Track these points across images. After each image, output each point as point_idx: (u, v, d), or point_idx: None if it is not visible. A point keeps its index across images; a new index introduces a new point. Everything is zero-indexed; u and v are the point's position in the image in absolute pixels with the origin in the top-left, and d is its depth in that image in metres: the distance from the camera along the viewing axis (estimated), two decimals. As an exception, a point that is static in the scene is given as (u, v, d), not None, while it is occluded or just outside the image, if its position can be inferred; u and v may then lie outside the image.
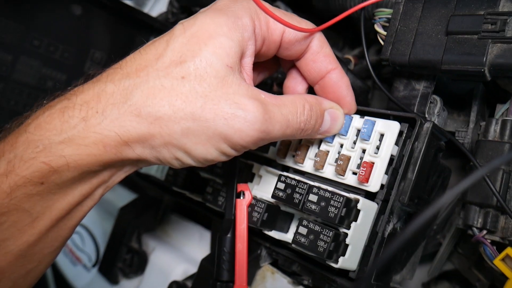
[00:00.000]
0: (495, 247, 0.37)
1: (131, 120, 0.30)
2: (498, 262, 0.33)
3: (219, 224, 0.49)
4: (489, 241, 0.37)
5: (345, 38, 0.72)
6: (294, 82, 0.41)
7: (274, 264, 0.45)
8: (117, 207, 0.60)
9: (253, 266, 0.45)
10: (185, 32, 0.32)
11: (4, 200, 0.30)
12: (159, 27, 0.65)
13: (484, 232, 0.37)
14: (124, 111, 0.31)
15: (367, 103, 0.55)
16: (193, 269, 0.50)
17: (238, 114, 0.31)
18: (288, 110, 0.34)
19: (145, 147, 0.32)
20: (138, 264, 0.54)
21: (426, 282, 0.54)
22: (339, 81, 0.38)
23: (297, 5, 0.67)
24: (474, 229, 0.38)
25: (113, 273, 0.57)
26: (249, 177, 0.45)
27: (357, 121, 0.39)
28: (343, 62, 0.54)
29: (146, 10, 0.74)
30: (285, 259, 0.43)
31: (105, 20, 0.63)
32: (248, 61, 0.35)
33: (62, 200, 0.32)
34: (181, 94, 0.31)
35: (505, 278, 0.34)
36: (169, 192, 0.54)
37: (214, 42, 0.32)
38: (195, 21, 0.33)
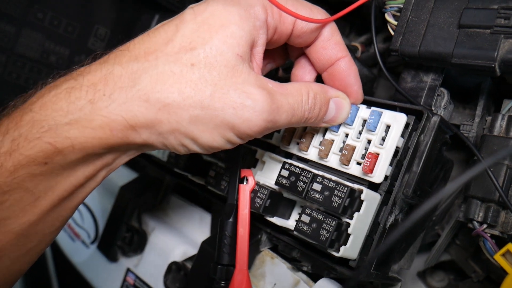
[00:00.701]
0: (494, 241, 0.37)
1: (139, 105, 0.30)
2: (498, 257, 0.34)
3: (220, 208, 0.49)
4: (489, 235, 0.37)
5: (352, 24, 0.72)
6: (303, 71, 0.40)
7: (274, 249, 0.46)
8: (117, 186, 0.60)
9: (253, 251, 0.45)
10: (196, 17, 0.32)
11: (7, 178, 0.30)
12: (165, 5, 0.64)
13: (485, 226, 0.38)
14: (132, 96, 0.30)
15: (372, 91, 0.55)
16: (192, 250, 0.51)
17: (246, 103, 0.31)
18: (294, 99, 0.34)
19: (152, 132, 0.31)
20: (137, 243, 0.55)
21: (422, 271, 0.55)
22: (347, 69, 0.38)
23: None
24: (475, 222, 0.38)
25: (112, 250, 0.57)
26: (252, 163, 0.45)
27: (364, 112, 0.39)
28: (351, 50, 0.54)
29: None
30: (285, 245, 0.43)
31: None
32: (259, 50, 0.35)
33: (65, 181, 0.32)
34: (191, 81, 0.30)
35: (503, 273, 0.35)
36: (171, 173, 0.54)
37: (225, 31, 0.31)
38: (206, 7, 0.32)
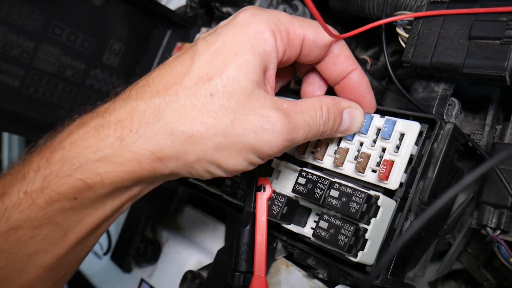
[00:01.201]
0: (507, 245, 0.38)
1: (165, 138, 0.32)
2: (513, 261, 0.35)
3: (234, 217, 0.50)
4: (503, 240, 0.38)
5: (358, 39, 0.73)
6: (312, 88, 0.42)
7: (289, 257, 0.47)
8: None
9: (268, 259, 0.46)
10: (209, 48, 0.33)
11: (38, 214, 0.31)
12: (177, 20, 0.66)
13: (498, 232, 0.39)
14: (157, 130, 0.32)
15: (381, 103, 0.56)
16: (207, 260, 0.51)
17: (266, 126, 0.32)
18: (309, 115, 0.35)
19: (178, 163, 0.33)
20: (151, 253, 0.55)
21: (433, 280, 0.55)
22: (359, 80, 0.39)
23: (314, 4, 0.68)
24: (488, 229, 0.39)
25: (126, 261, 0.57)
26: (268, 172, 0.46)
27: (378, 121, 0.40)
28: (361, 62, 0.55)
29: (163, 2, 0.75)
30: (301, 252, 0.44)
31: (125, 12, 0.64)
32: (271, 74, 0.36)
33: (94, 214, 0.34)
34: (212, 111, 0.32)
35: (516, 277, 0.36)
36: (184, 184, 0.55)
37: (239, 60, 0.33)
38: (218, 37, 0.34)
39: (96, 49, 0.62)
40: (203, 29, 0.65)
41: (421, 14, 0.41)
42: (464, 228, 0.47)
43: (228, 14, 0.61)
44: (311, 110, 0.35)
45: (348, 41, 0.71)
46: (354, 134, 0.41)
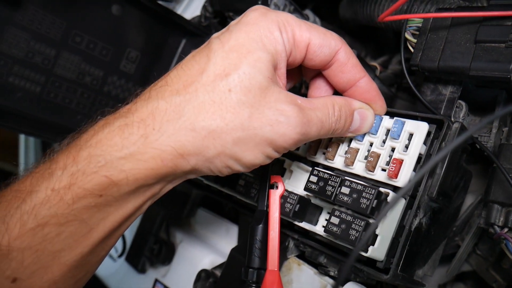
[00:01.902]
0: (515, 243, 0.39)
1: (186, 134, 0.33)
2: (521, 256, 0.35)
3: (247, 217, 0.51)
4: (511, 237, 0.39)
5: (367, 47, 0.75)
6: (318, 92, 0.43)
7: (301, 256, 0.48)
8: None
9: (280, 257, 0.47)
10: (223, 46, 0.35)
11: (65, 211, 0.32)
12: (192, 29, 0.69)
13: (506, 230, 0.40)
14: (179, 127, 0.33)
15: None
16: (220, 260, 0.53)
17: (281, 120, 0.34)
18: (322, 112, 0.36)
19: (199, 159, 0.34)
20: (165, 254, 0.57)
21: (443, 283, 0.56)
22: (369, 88, 0.40)
23: (324, 14, 0.70)
24: (496, 227, 0.40)
25: (140, 262, 0.59)
26: (281, 172, 0.47)
27: (387, 121, 0.42)
28: (371, 69, 0.57)
29: (179, 11, 0.77)
30: (312, 250, 0.45)
31: (141, 21, 0.66)
32: (282, 72, 0.37)
33: (117, 212, 0.35)
34: (230, 106, 0.33)
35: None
36: (197, 187, 0.57)
37: (253, 56, 0.34)
38: (231, 35, 0.35)
39: (114, 57, 0.65)
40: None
41: (432, 15, 0.42)
42: (473, 229, 0.47)
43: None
44: (324, 107, 0.37)
45: (358, 50, 0.73)
46: (364, 135, 0.42)
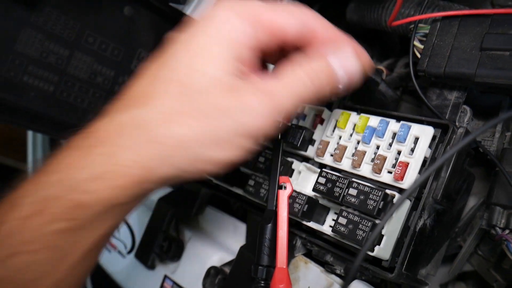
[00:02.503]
0: (516, 245, 0.41)
1: (153, 147, 0.32)
2: (522, 256, 0.37)
3: (255, 216, 0.53)
4: None
5: (374, 50, 0.77)
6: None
7: (308, 255, 0.49)
8: (152, 200, 0.65)
9: (288, 255, 0.48)
10: (181, 49, 0.33)
11: (37, 238, 0.31)
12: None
13: (507, 231, 0.41)
14: (144, 140, 0.32)
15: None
16: (228, 257, 0.54)
17: (248, 112, 0.32)
18: (294, 85, 0.34)
19: (169, 169, 0.33)
20: (175, 250, 0.58)
21: (444, 283, 0.57)
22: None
23: (330, 15, 0.71)
24: (497, 228, 0.42)
25: (150, 258, 0.60)
26: (289, 173, 0.49)
27: (394, 125, 0.43)
28: (377, 72, 0.58)
29: (188, 12, 0.78)
30: (319, 249, 0.47)
31: (152, 22, 0.67)
32: (250, 60, 0.35)
33: (91, 234, 0.33)
34: (193, 111, 0.32)
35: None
36: (206, 186, 0.58)
37: (210, 53, 0.33)
38: (186, 35, 0.34)
39: (125, 57, 0.66)
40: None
41: (441, 14, 0.44)
42: (475, 230, 0.49)
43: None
44: (295, 78, 0.34)
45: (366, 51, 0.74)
46: (371, 138, 0.44)
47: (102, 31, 0.63)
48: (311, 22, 0.36)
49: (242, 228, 0.57)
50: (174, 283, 0.57)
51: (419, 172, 0.41)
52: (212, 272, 0.52)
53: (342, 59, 0.36)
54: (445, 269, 0.55)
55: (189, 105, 0.32)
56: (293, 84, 0.34)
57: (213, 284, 0.51)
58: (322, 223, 0.46)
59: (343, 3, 0.70)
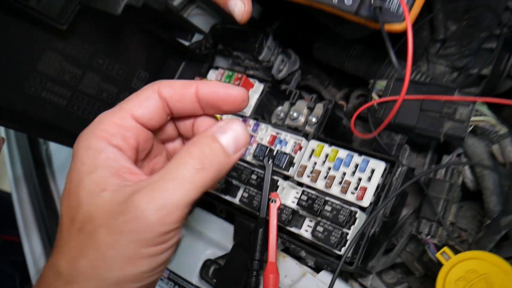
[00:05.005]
0: (434, 246, 0.58)
1: None
2: (438, 255, 0.54)
3: (242, 219, 0.66)
4: (432, 243, 0.58)
5: (331, 77, 0.92)
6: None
7: (285, 250, 0.64)
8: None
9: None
10: (64, 191, 0.34)
11: None
12: (191, 56, 0.81)
13: (429, 237, 0.59)
14: None
15: (352, 139, 0.75)
16: (220, 252, 0.67)
17: (140, 226, 0.31)
18: (181, 173, 0.32)
19: None
20: (171, 244, 0.70)
21: (379, 271, 0.75)
22: (209, 87, 0.37)
23: (303, 53, 0.85)
24: (423, 234, 0.59)
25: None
26: (275, 188, 0.63)
27: (357, 158, 0.59)
28: (338, 107, 0.74)
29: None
30: (295, 247, 0.62)
31: (152, 47, 0.78)
32: (129, 168, 0.35)
33: None
34: (97, 261, 0.31)
35: (438, 267, 0.55)
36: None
37: (83, 184, 0.33)
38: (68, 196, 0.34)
39: (127, 76, 0.76)
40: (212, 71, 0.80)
41: (386, 99, 0.60)
42: (405, 234, 0.66)
43: (238, 58, 0.77)
44: (181, 166, 0.33)
45: (323, 78, 0.89)
46: (339, 166, 0.59)
47: (110, 54, 0.72)
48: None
49: (228, 227, 0.70)
50: (171, 271, 0.69)
51: (374, 195, 0.57)
52: (208, 263, 0.65)
53: (229, 130, 0.36)
54: (382, 260, 0.73)
55: (85, 237, 0.32)
56: (177, 172, 0.32)
57: (208, 274, 0.65)
58: (300, 228, 0.61)
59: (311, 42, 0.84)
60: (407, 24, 0.41)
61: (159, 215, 0.31)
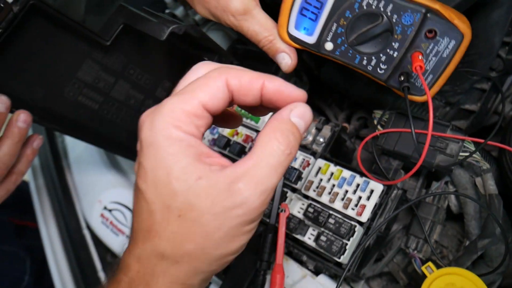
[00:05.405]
0: (420, 260, 0.67)
1: (180, 269, 0.36)
2: (423, 269, 0.63)
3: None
4: (418, 257, 0.67)
5: (333, 96, 1.00)
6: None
7: (288, 254, 0.72)
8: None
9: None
10: (148, 189, 0.35)
11: None
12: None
13: (416, 251, 0.67)
14: (169, 264, 0.35)
15: (351, 158, 0.83)
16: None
17: (239, 204, 0.34)
18: (272, 158, 0.35)
19: (202, 275, 0.37)
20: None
21: (367, 278, 0.84)
22: (277, 87, 0.38)
23: (310, 74, 0.93)
24: (410, 249, 0.68)
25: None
26: (284, 199, 0.71)
27: (358, 179, 0.67)
28: (342, 129, 0.82)
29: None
30: (298, 251, 0.70)
31: (176, 59, 0.85)
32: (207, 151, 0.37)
33: None
34: (195, 227, 0.34)
35: (422, 278, 0.64)
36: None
37: (174, 175, 0.34)
38: (146, 172, 0.36)
39: (153, 85, 0.83)
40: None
41: (384, 131, 0.68)
42: (395, 247, 0.75)
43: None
44: (270, 150, 0.36)
45: (326, 97, 0.98)
46: (343, 184, 0.67)
47: (141, 65, 0.79)
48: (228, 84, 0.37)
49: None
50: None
51: (371, 212, 0.65)
52: (219, 261, 0.73)
53: (301, 114, 0.39)
54: (371, 268, 0.81)
55: (189, 223, 0.34)
56: (271, 158, 0.35)
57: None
58: (304, 235, 0.69)
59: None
60: (428, 98, 0.52)
61: (261, 199, 0.34)
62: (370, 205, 0.65)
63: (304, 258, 0.70)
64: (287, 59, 0.58)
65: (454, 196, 0.69)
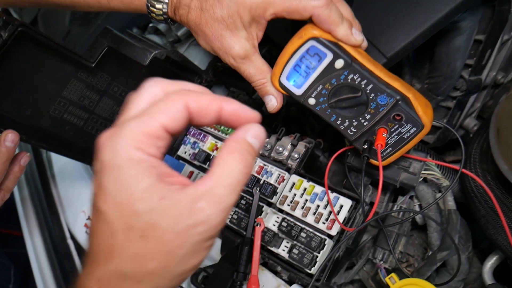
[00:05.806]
0: (385, 270, 0.72)
1: (142, 286, 0.36)
2: (387, 279, 0.68)
3: (229, 235, 0.78)
4: (383, 267, 0.72)
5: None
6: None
7: (264, 264, 0.77)
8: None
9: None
10: (108, 200, 0.35)
11: None
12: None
13: (382, 262, 0.72)
14: (130, 285, 0.36)
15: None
16: (209, 262, 0.79)
17: (202, 222, 0.35)
18: (231, 176, 0.36)
19: None
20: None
21: (339, 284, 0.89)
22: (232, 107, 0.39)
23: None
24: (377, 260, 0.73)
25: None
26: (260, 213, 0.75)
27: (330, 195, 0.72)
28: (316, 145, 0.87)
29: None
30: (273, 262, 0.74)
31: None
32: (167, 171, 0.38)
33: None
34: (157, 245, 0.35)
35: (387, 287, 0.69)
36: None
37: (136, 196, 0.35)
38: (104, 192, 0.35)
39: (136, 102, 0.87)
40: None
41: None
42: (364, 256, 0.80)
43: (233, 92, 0.89)
44: (233, 172, 0.37)
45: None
46: (315, 200, 0.72)
47: (124, 83, 0.83)
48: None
49: (216, 241, 0.82)
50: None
51: (341, 226, 0.70)
52: (198, 271, 0.77)
53: (256, 134, 0.39)
54: (343, 275, 0.86)
55: (151, 242, 0.35)
56: (230, 177, 0.36)
57: (197, 280, 0.77)
58: (278, 247, 0.73)
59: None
60: (379, 166, 0.61)
61: (222, 216, 0.36)
62: (340, 219, 0.70)
63: (279, 268, 0.74)
64: (273, 101, 0.64)
65: (419, 209, 0.74)
